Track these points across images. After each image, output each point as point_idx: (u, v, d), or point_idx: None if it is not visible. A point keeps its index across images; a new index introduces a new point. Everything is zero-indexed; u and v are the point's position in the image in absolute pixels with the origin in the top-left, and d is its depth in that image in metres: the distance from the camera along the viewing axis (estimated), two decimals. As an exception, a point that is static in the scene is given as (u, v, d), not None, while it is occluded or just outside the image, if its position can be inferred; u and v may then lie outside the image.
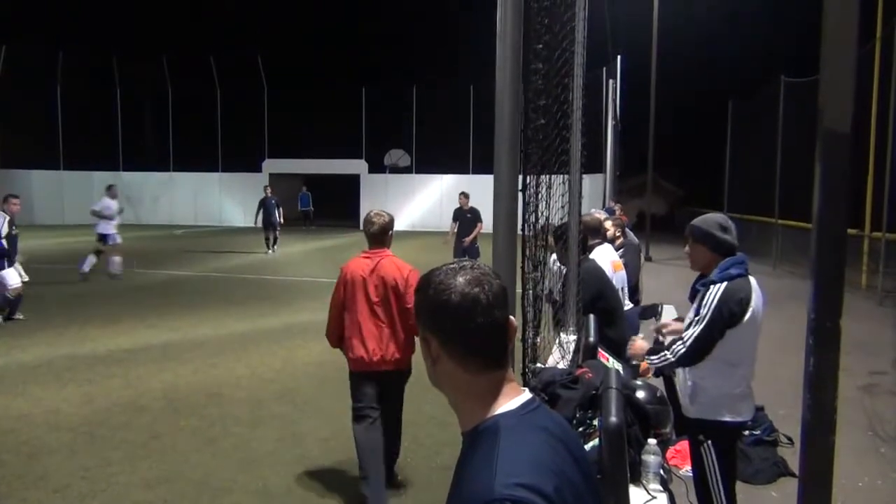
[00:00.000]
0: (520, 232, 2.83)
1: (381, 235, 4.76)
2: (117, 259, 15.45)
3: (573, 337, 4.40)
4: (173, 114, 35.12)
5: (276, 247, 21.62)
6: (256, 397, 7.22)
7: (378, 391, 4.74)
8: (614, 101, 20.71)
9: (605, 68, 23.02)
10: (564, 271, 4.90)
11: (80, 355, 8.84)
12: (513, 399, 1.40)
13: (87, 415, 6.65)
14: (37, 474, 5.30)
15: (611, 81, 21.15)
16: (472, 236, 14.01)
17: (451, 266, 1.44)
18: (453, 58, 36.30)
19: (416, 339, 4.47)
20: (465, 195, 14.49)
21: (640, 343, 4.07)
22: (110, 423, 6.42)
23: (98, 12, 39.49)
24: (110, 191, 15.66)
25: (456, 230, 14.37)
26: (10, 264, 10.63)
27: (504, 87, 2.57)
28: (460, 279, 1.39)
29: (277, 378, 7.93)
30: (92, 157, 32.90)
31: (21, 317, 10.89)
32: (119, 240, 15.45)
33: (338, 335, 4.82)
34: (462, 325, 1.37)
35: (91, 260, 15.18)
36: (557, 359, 4.14)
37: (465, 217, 14.21)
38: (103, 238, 15.18)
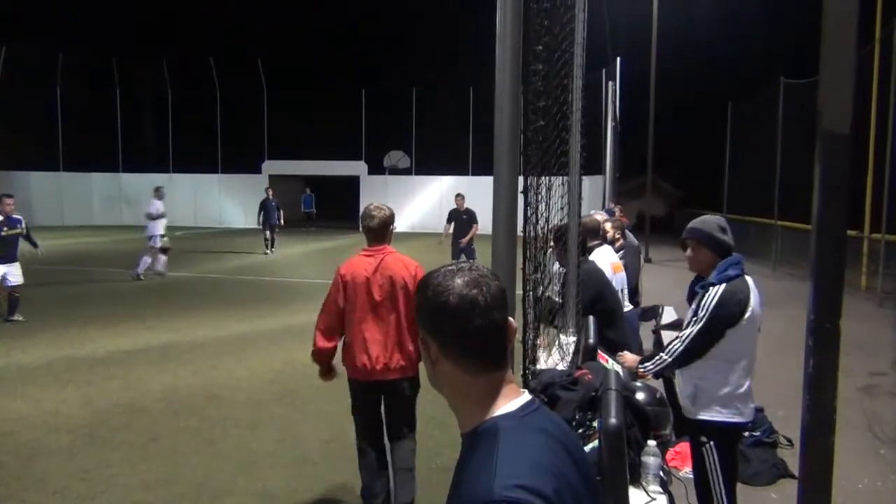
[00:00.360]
0: (520, 233, 2.83)
1: (381, 230, 4.37)
2: (148, 259, 15.84)
3: (573, 338, 4.40)
4: (173, 115, 35.11)
5: (274, 248, 21.73)
6: (256, 399, 7.22)
7: (382, 403, 4.41)
8: (614, 102, 20.73)
9: (604, 70, 23.04)
10: (563, 273, 4.90)
11: (79, 357, 8.84)
12: (512, 401, 1.40)
13: (87, 416, 6.64)
14: (36, 476, 5.30)
15: (610, 83, 21.16)
16: (468, 237, 14.03)
17: (450, 268, 1.45)
18: (453, 59, 36.28)
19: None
20: (461, 196, 14.51)
21: (629, 356, 4.08)
22: (110, 425, 6.41)
23: (98, 13, 39.49)
24: (158, 192, 16.14)
25: (451, 231, 14.38)
26: (7, 262, 10.65)
27: (504, 88, 2.57)
28: (458, 281, 1.39)
29: (277, 379, 7.93)
30: (91, 158, 32.90)
31: (20, 318, 10.88)
32: (160, 243, 15.87)
33: (332, 338, 4.36)
34: (460, 326, 1.37)
35: (163, 259, 15.90)
36: (557, 360, 4.13)
37: (461, 218, 14.23)
38: (152, 238, 15.74)
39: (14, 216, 10.84)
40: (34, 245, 11.37)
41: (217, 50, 34.31)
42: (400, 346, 4.26)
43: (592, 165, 17.92)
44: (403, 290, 4.24)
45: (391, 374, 4.26)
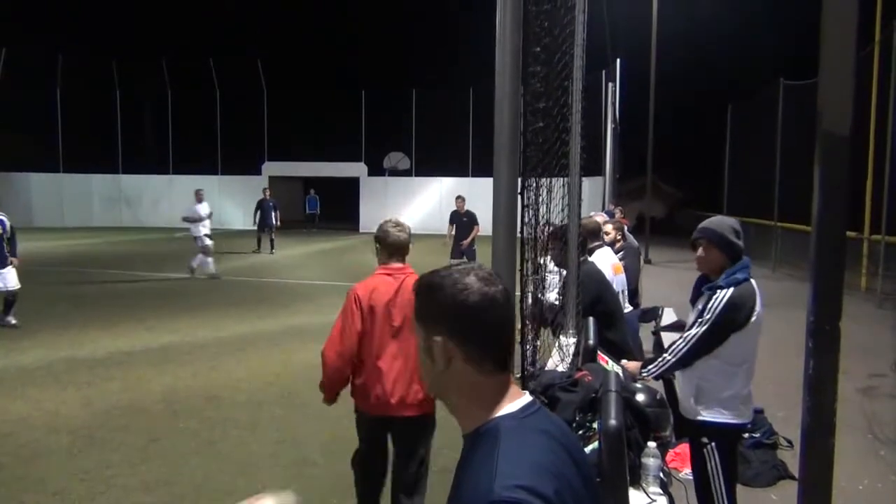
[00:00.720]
0: (518, 234, 2.84)
1: (404, 248, 4.00)
2: (208, 259, 16.07)
3: (573, 340, 4.40)
4: (173, 116, 35.11)
5: (274, 250, 21.81)
6: (256, 399, 7.21)
7: (395, 444, 4.00)
8: (613, 103, 20.76)
9: (604, 71, 23.05)
10: (564, 274, 4.90)
11: (79, 358, 8.83)
12: (514, 401, 1.40)
13: (87, 417, 6.64)
14: (35, 477, 5.30)
15: (610, 84, 21.19)
16: (469, 239, 14.05)
17: (458, 267, 1.45)
18: (453, 60, 36.29)
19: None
20: (461, 199, 14.54)
21: (631, 364, 4.07)
22: (109, 426, 6.41)
23: (98, 14, 39.50)
24: (197, 195, 16.46)
25: (453, 233, 14.41)
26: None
27: (503, 89, 2.57)
28: (474, 279, 1.40)
29: (276, 380, 7.93)
30: (91, 159, 32.92)
31: (14, 322, 10.51)
32: (208, 242, 16.05)
33: (348, 364, 3.87)
34: (482, 325, 1.38)
35: (203, 259, 16.00)
36: (557, 361, 4.14)
37: (462, 220, 14.25)
38: (197, 240, 16.01)
39: None
40: (13, 253, 10.53)
41: (217, 51, 34.33)
42: (419, 377, 3.70)
43: (592, 167, 17.94)
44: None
45: (407, 409, 3.82)
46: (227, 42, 38.42)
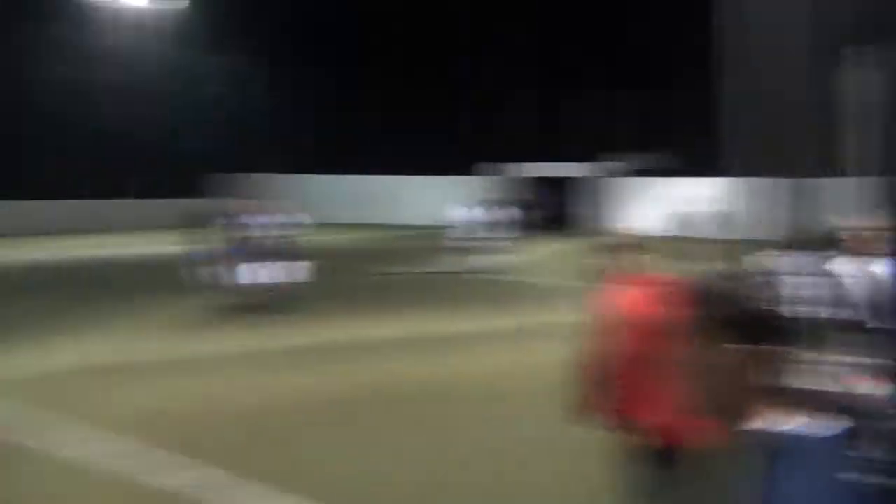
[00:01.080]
0: (774, 237, 2.57)
1: (641, 251, 3.63)
2: (469, 258, 16.99)
3: (869, 359, 3.90)
4: (406, 117, 36.29)
5: (519, 250, 21.93)
6: (491, 394, 7.32)
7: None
8: (886, 92, 18.57)
9: (867, 56, 20.61)
10: (847, 281, 4.38)
11: (336, 343, 9.55)
12: (791, 418, 1.31)
13: (340, 396, 7.26)
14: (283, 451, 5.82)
15: (880, 73, 18.98)
16: (715, 244, 13.36)
17: (749, 278, 1.42)
18: (703, 58, 34.49)
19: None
20: (698, 201, 14.00)
21: None
22: (351, 410, 6.91)
23: (337, 21, 41.20)
24: (455, 200, 18.18)
25: (686, 236, 13.88)
26: (271, 261, 10.81)
27: (755, 86, 2.31)
28: (766, 288, 1.35)
29: (509, 377, 7.92)
30: (345, 160, 36.01)
31: (279, 315, 10.69)
32: (466, 244, 17.00)
33: (605, 397, 3.47)
34: (788, 331, 1.59)
35: (463, 259, 17.01)
36: (862, 384, 3.67)
37: (703, 223, 13.70)
38: (455, 241, 17.23)
39: (273, 217, 11.06)
40: (301, 252, 11.16)
41: (455, 50, 35.22)
42: (686, 395, 3.04)
43: (872, 164, 16.18)
44: (681, 323, 3.07)
45: (695, 435, 2.95)
46: (466, 42, 38.90)
